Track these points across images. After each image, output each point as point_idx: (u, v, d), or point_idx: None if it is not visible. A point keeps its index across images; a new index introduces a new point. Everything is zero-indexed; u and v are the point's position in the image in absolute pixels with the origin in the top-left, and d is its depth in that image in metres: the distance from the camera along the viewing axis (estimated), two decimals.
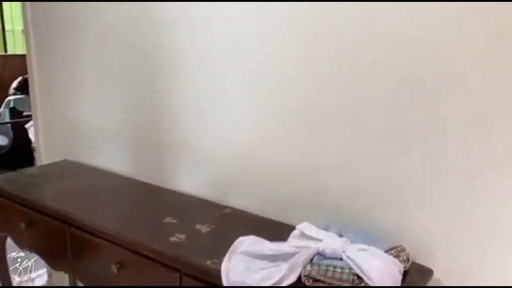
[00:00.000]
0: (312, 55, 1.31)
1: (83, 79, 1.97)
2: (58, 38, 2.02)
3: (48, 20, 2.04)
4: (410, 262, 1.16)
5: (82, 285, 1.69)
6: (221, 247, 1.19)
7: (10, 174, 1.94)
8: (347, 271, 1.06)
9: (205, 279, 1.18)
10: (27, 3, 2.10)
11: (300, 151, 1.40)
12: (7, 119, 4.29)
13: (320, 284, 1.07)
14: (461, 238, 1.17)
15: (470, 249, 1.16)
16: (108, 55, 1.84)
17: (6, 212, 1.72)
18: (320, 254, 1.11)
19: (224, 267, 1.13)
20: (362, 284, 1.04)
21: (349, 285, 1.05)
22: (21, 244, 1.72)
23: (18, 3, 2.58)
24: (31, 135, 3.91)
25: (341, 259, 1.09)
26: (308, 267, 1.09)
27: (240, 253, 1.16)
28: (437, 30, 1.12)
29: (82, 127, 2.02)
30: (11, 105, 4.46)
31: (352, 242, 1.15)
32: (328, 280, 1.06)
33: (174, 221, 1.43)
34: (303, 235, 1.19)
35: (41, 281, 2.25)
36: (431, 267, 1.19)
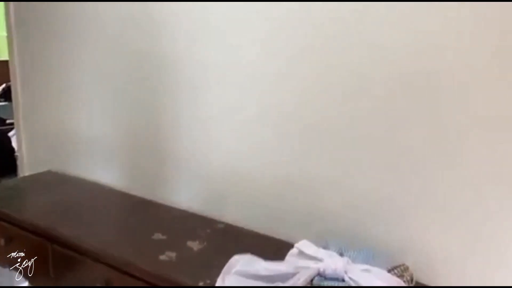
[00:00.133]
0: (309, 69, 1.28)
1: (70, 87, 1.89)
2: (43, 43, 1.94)
3: (33, 25, 1.96)
4: (414, 283, 1.11)
5: None
6: (214, 267, 1.12)
7: None
8: None
9: None
10: (11, 7, 2.02)
11: (296, 164, 1.35)
12: None
13: None
14: (466, 256, 1.12)
15: (475, 268, 1.11)
16: (98, 62, 1.77)
17: None
18: (321, 275, 1.05)
19: None
20: None
21: None
22: (1, 261, 1.62)
23: (1, 8, 2.49)
24: (15, 143, 3.79)
25: (343, 280, 1.03)
26: None
27: (234, 273, 1.10)
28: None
29: (68, 136, 1.94)
30: None
31: (353, 261, 1.09)
32: None
33: (164, 237, 1.36)
34: (302, 254, 1.12)
35: None
36: (434, 285, 1.14)
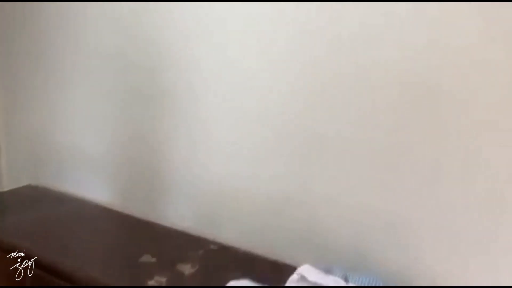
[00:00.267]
0: (308, 83, 1.22)
1: (55, 94, 1.80)
2: (24, 45, 1.84)
3: (15, 28, 1.87)
4: None
5: None
6: None
7: None
8: None
9: None
10: None
11: (294, 180, 1.28)
12: None
13: None
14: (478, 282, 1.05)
15: None
16: (84, 69, 1.69)
17: None
18: None
19: None
20: None
21: None
22: None
23: None
24: None
25: None
26: None
27: None
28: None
29: (51, 147, 1.85)
30: None
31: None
32: None
33: (153, 259, 1.27)
34: (304, 280, 1.05)
35: None
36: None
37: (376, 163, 1.14)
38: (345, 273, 1.08)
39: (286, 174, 1.29)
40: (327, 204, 1.23)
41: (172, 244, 1.40)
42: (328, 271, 1.08)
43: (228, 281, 1.07)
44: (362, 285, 1.04)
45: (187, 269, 1.22)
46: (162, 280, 1.16)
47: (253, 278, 1.09)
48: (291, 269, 1.09)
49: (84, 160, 1.75)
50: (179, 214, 1.51)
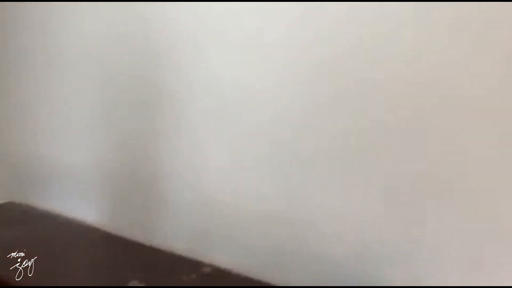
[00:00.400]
0: (304, 98, 1.20)
1: (38, 106, 1.76)
2: (6, 53, 1.79)
3: None
4: None
5: None
6: None
7: None
8: None
9: None
10: None
11: (292, 201, 1.26)
12: None
13: None
14: None
15: None
16: (72, 80, 1.65)
17: None
18: None
19: None
20: None
21: None
22: None
23: None
24: None
25: None
26: None
27: None
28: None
29: (35, 162, 1.81)
30: None
31: None
32: None
33: (141, 285, 1.20)
34: None
35: None
36: None
37: (370, 182, 1.13)
38: None
39: (282, 193, 1.26)
40: (325, 223, 1.20)
41: (163, 267, 1.33)
42: None
43: None
44: None
45: None
46: None
47: None
48: None
49: (69, 176, 1.71)
50: (169, 233, 1.47)
